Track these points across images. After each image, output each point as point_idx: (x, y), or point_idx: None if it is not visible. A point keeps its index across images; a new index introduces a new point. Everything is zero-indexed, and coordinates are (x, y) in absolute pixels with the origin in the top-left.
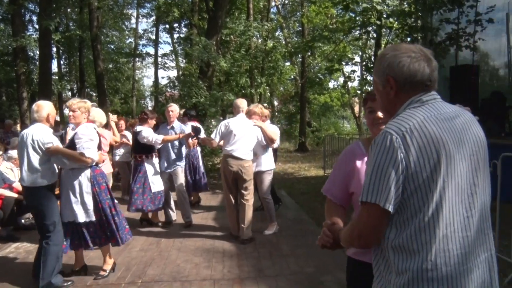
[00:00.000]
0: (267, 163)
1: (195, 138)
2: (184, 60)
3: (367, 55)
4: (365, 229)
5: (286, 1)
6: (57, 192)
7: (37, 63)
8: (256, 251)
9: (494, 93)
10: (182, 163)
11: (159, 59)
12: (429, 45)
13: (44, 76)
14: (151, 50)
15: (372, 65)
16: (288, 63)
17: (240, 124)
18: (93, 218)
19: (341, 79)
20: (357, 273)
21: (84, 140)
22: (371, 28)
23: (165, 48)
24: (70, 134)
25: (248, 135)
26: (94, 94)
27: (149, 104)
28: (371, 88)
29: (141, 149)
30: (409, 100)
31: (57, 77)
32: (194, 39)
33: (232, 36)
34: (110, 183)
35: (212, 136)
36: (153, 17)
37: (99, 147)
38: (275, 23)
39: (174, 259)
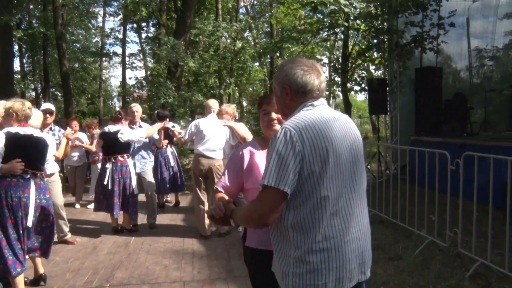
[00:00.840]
0: None
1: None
2: (152, 60)
3: (335, 56)
4: (266, 209)
5: (255, 2)
6: None
7: None
8: (226, 252)
9: (457, 94)
10: (152, 164)
11: (127, 58)
12: (395, 47)
13: (5, 75)
14: (118, 50)
15: (339, 65)
16: (257, 64)
17: (211, 124)
18: None
19: None
20: (260, 262)
21: None
22: (338, 29)
23: (132, 48)
24: None
25: (218, 135)
26: (59, 94)
27: (117, 104)
28: (339, 88)
29: (121, 149)
30: (302, 104)
31: (19, 76)
32: (162, 39)
33: (201, 36)
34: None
35: (182, 135)
36: (121, 16)
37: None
38: (244, 24)
39: (143, 262)
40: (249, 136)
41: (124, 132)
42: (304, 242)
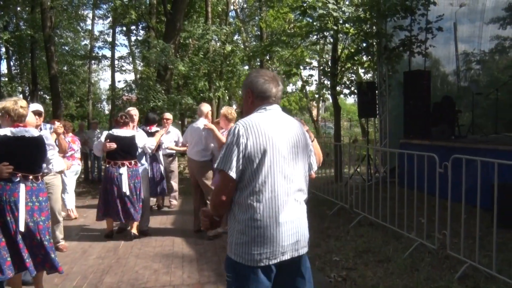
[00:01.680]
0: None
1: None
2: (141, 63)
3: (324, 59)
4: (219, 188)
5: (245, 5)
6: None
7: None
8: (216, 256)
9: (445, 97)
10: (147, 169)
11: (116, 61)
12: (384, 51)
13: None
14: (107, 53)
15: (329, 69)
16: (246, 67)
17: (197, 127)
18: None
19: (299, 83)
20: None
21: None
22: (328, 33)
23: (122, 51)
24: None
25: (202, 138)
26: (47, 97)
27: (106, 107)
28: (328, 92)
29: (135, 154)
30: (258, 107)
31: (6, 79)
32: (152, 42)
33: (190, 40)
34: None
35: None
36: (110, 19)
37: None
38: (233, 27)
39: (132, 266)
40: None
41: (139, 138)
42: (245, 218)
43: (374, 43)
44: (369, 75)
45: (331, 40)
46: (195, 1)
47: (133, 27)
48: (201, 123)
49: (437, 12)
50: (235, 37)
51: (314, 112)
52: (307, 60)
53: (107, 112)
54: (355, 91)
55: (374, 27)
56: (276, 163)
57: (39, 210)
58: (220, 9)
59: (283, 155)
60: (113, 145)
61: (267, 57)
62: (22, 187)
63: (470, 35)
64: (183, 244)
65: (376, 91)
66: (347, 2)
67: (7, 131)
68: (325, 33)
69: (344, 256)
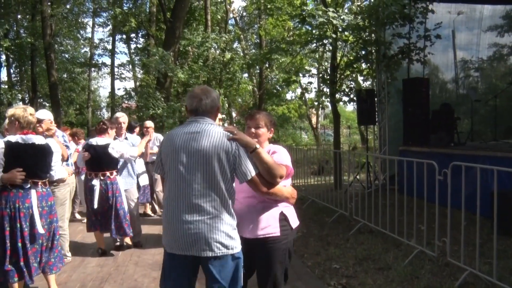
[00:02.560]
0: None
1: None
2: (141, 71)
3: (323, 67)
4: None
5: (244, 13)
6: None
7: None
8: None
9: (444, 104)
10: (135, 181)
11: (116, 69)
12: (383, 58)
13: None
14: (107, 60)
15: (328, 76)
16: (246, 75)
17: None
18: None
19: (298, 91)
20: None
21: None
22: (327, 41)
23: (121, 58)
24: None
25: None
26: (47, 104)
27: (105, 115)
28: (328, 99)
29: (110, 164)
30: (188, 119)
31: (6, 86)
32: (151, 50)
33: (190, 47)
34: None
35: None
36: (110, 27)
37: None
38: (233, 35)
39: (131, 274)
40: None
41: (116, 146)
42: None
43: (373, 51)
44: (368, 82)
45: (330, 47)
46: (194, 9)
47: (133, 35)
48: None
49: (436, 20)
50: (235, 45)
51: (314, 120)
52: (306, 67)
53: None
54: (354, 98)
55: (373, 35)
56: (176, 169)
57: (47, 214)
58: (219, 17)
59: (182, 162)
60: (86, 155)
61: (267, 65)
62: (33, 193)
63: (468, 43)
64: None
65: (375, 99)
66: (346, 10)
67: (18, 138)
68: (324, 41)
69: (344, 263)
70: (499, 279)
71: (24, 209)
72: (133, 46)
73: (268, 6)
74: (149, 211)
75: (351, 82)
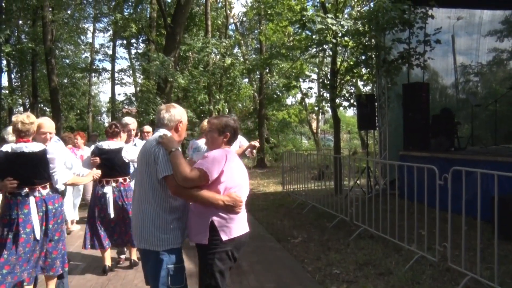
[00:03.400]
0: None
1: None
2: (141, 76)
3: (323, 72)
4: None
5: (244, 19)
6: None
7: None
8: None
9: (444, 109)
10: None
11: (116, 74)
12: (383, 63)
13: None
14: (107, 65)
15: (328, 81)
16: (246, 80)
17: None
18: None
19: (299, 96)
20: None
21: None
22: (327, 46)
23: (122, 64)
24: None
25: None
26: (48, 109)
27: (106, 120)
28: (328, 104)
29: (124, 170)
30: None
31: (7, 91)
32: (152, 55)
33: (190, 53)
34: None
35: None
36: (110, 32)
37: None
38: (233, 40)
39: (131, 279)
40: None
41: (130, 150)
42: None
43: (373, 56)
44: (368, 87)
45: (330, 53)
46: (195, 14)
47: (133, 40)
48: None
49: (435, 25)
50: (235, 50)
51: (314, 125)
52: (307, 73)
53: (107, 124)
54: (355, 103)
55: (373, 40)
56: (136, 171)
57: (51, 217)
58: (219, 23)
59: (138, 166)
60: (97, 160)
61: (267, 70)
62: (31, 199)
63: (468, 48)
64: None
65: (376, 104)
66: (346, 16)
67: (8, 147)
68: (324, 46)
69: (344, 269)
70: (500, 284)
71: (23, 215)
72: (133, 51)
73: (268, 12)
74: None
75: (351, 87)
